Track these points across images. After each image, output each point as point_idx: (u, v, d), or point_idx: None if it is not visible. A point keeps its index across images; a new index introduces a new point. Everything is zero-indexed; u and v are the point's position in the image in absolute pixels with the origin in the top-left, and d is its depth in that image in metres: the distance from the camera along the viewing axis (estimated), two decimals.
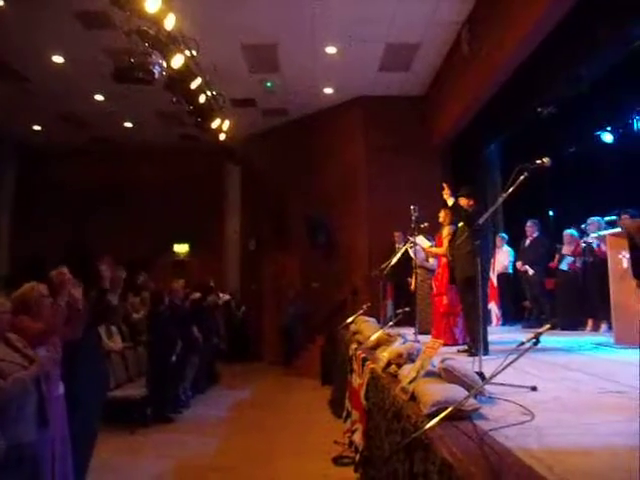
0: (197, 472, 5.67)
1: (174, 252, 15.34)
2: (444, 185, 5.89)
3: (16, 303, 3.53)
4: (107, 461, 5.52)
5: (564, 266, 8.25)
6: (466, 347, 5.59)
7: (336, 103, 11.90)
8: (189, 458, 6.10)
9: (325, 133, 12.30)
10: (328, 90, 11.35)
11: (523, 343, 2.60)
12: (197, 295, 9.80)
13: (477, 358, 3.65)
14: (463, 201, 5.69)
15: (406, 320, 6.60)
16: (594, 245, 7.50)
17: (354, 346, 6.20)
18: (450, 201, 5.82)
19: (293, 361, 12.02)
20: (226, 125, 10.18)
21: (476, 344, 4.50)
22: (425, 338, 5.81)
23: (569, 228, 8.34)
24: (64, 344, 3.77)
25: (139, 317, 8.81)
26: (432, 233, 7.66)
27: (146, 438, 6.89)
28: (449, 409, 2.48)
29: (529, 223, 8.85)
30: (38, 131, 13.93)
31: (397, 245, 9.21)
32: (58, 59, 9.87)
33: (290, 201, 12.96)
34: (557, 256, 8.31)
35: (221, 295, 12.13)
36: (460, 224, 5.82)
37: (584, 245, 7.80)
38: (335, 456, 5.77)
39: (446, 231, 6.51)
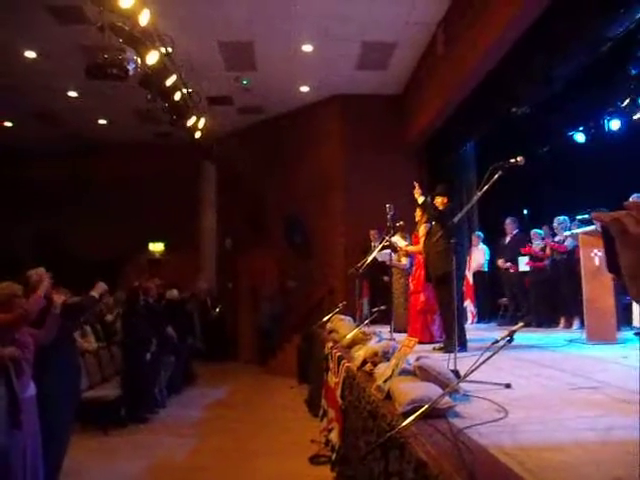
0: (173, 473, 5.63)
1: (149, 251, 15.19)
2: (415, 184, 5.95)
3: None
4: (81, 462, 5.46)
5: (523, 267, 8.46)
6: (441, 345, 5.63)
7: (313, 101, 11.89)
8: (165, 458, 6.06)
9: (302, 131, 12.28)
10: (305, 88, 11.33)
11: (497, 341, 2.63)
12: (173, 291, 9.73)
13: (452, 356, 3.67)
14: (438, 200, 5.74)
15: (382, 318, 6.63)
16: (565, 243, 7.65)
17: (330, 345, 6.20)
18: (420, 199, 5.89)
19: (270, 360, 11.99)
20: (202, 123, 10.10)
21: (451, 341, 4.54)
22: (401, 336, 5.84)
23: (539, 227, 8.52)
24: (38, 345, 3.72)
25: (113, 317, 8.71)
26: (408, 231, 7.70)
27: (121, 439, 6.83)
28: (424, 407, 2.49)
29: (508, 220, 8.97)
30: (10, 127, 13.66)
31: (373, 243, 9.24)
32: (30, 54, 9.67)
33: (266, 199, 12.92)
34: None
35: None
36: (434, 222, 5.87)
37: (553, 243, 7.95)
38: (312, 455, 5.78)
39: (422, 229, 6.54)
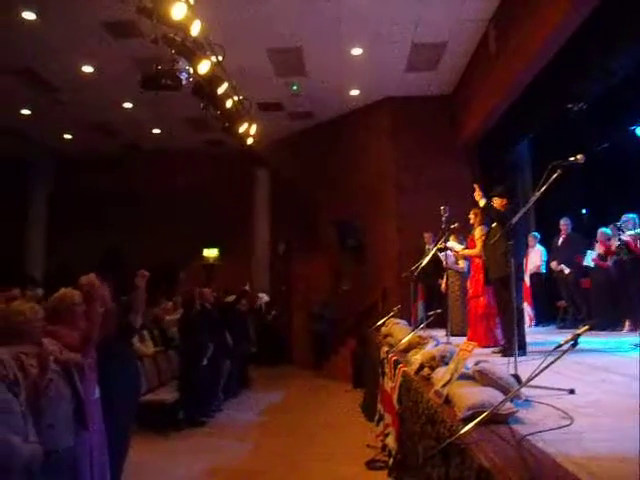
0: (230, 476, 5.70)
1: (204, 257, 15.45)
2: (475, 186, 5.79)
3: (49, 310, 3.58)
4: (141, 464, 5.55)
5: (588, 261, 8.08)
6: (500, 348, 5.50)
7: (363, 105, 11.86)
8: (222, 461, 6.12)
9: (352, 135, 12.26)
10: (354, 92, 11.32)
11: (561, 345, 2.53)
12: (232, 298, 9.84)
13: (512, 360, 3.57)
14: (497, 201, 5.59)
15: (437, 322, 6.52)
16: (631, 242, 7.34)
17: (385, 349, 6.15)
18: (482, 202, 5.72)
19: (324, 364, 12.00)
20: (253, 129, 10.21)
21: (510, 345, 4.41)
22: (457, 340, 5.73)
23: (603, 226, 8.16)
24: (98, 348, 3.81)
25: (171, 321, 8.88)
26: (463, 233, 7.56)
27: (179, 441, 6.94)
28: (485, 413, 2.42)
29: (563, 221, 8.69)
30: (69, 140, 14.20)
31: (427, 246, 9.12)
32: (87, 69, 10.06)
33: (319, 204, 12.95)
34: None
35: (260, 296, 12.14)
36: (493, 224, 5.72)
37: (619, 243, 7.61)
38: (368, 460, 5.73)
39: (478, 232, 6.41)
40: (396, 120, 11.42)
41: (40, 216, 15.68)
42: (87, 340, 3.63)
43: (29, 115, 12.38)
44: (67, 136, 13.99)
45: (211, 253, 15.47)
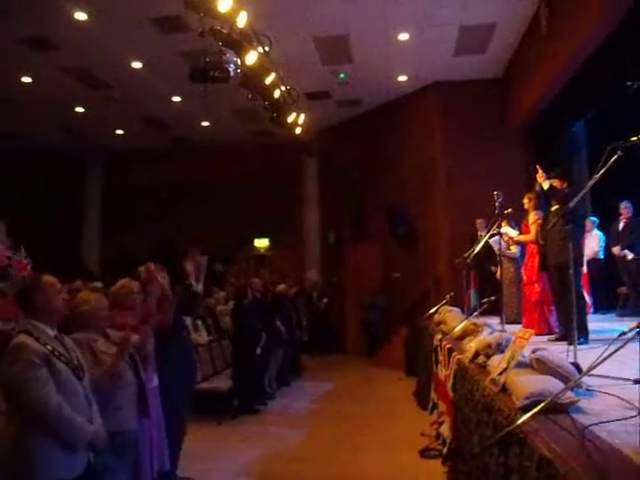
0: (283, 463, 5.75)
1: (255, 247, 15.62)
2: (537, 168, 5.58)
3: (110, 300, 3.71)
4: (197, 451, 5.69)
5: None
6: (557, 336, 5.35)
7: (411, 90, 11.67)
8: (275, 448, 6.20)
9: (401, 121, 12.11)
10: (402, 78, 11.15)
11: (625, 332, 2.43)
12: (282, 287, 9.92)
13: (571, 348, 3.46)
14: (556, 183, 5.40)
15: (491, 309, 6.40)
16: None
17: (439, 336, 6.07)
18: (545, 185, 5.48)
19: (376, 352, 11.97)
20: (301, 119, 10.22)
21: (570, 333, 4.29)
22: (512, 328, 5.61)
23: None
24: (156, 337, 3.93)
25: (223, 311, 9.03)
26: (516, 219, 7.38)
27: (233, 428, 7.07)
28: (545, 402, 2.36)
29: (623, 205, 8.36)
30: (121, 135, 14.56)
31: (479, 233, 8.94)
32: (137, 65, 10.26)
33: (369, 192, 12.86)
34: None
35: (308, 276, 12.18)
36: (551, 208, 5.53)
37: None
38: (422, 448, 5.70)
39: (532, 217, 6.24)
40: (445, 105, 11.20)
41: (94, 211, 16.22)
42: (144, 322, 3.75)
43: (83, 113, 12.74)
44: (119, 132, 14.34)
45: (262, 243, 15.60)
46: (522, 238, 6.77)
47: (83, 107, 12.46)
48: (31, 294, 2.88)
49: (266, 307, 8.60)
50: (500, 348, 3.66)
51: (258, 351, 7.84)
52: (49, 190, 14.68)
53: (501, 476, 2.56)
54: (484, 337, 4.17)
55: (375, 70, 10.67)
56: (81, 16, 8.42)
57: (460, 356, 4.41)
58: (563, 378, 2.74)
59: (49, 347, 2.77)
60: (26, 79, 10.76)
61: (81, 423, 2.77)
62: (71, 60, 9.93)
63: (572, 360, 3.27)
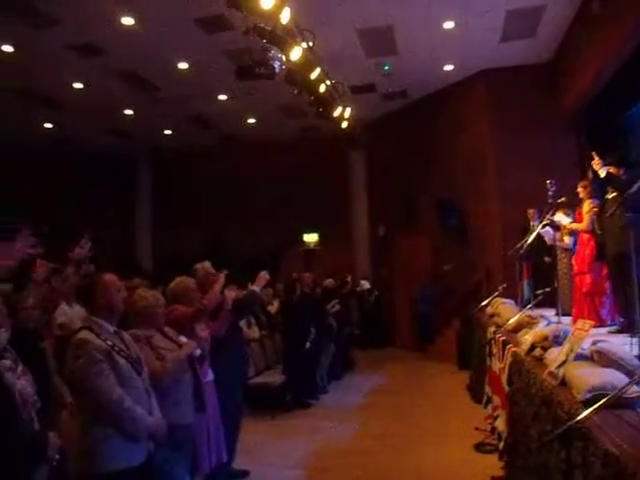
0: (338, 456, 5.76)
1: (304, 242, 15.69)
2: (593, 155, 5.38)
3: (167, 297, 3.81)
4: (251, 444, 5.77)
5: None
6: (619, 328, 5.16)
7: (458, 79, 11.46)
8: (329, 442, 6.22)
9: (448, 112, 11.92)
10: (448, 67, 10.97)
11: None
12: (331, 281, 9.92)
13: (635, 340, 3.33)
14: (613, 170, 5.19)
15: (545, 301, 6.24)
16: None
17: (492, 329, 5.96)
18: (602, 172, 5.27)
19: (428, 346, 11.86)
20: (347, 113, 10.17)
21: (632, 325, 4.13)
22: (568, 319, 5.46)
23: None
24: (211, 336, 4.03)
25: (275, 307, 9.10)
26: (570, 208, 7.15)
27: (287, 422, 7.13)
28: (609, 396, 2.28)
29: None
30: (169, 135, 14.84)
31: (532, 223, 8.71)
32: (183, 65, 10.43)
33: (417, 184, 12.71)
34: None
35: (362, 282, 12.19)
36: (609, 196, 5.32)
37: None
38: (477, 443, 5.63)
39: (587, 206, 6.02)
40: (493, 93, 10.95)
41: (146, 210, 16.62)
42: (198, 315, 3.85)
43: (131, 115, 13.05)
44: (167, 132, 14.62)
45: (311, 238, 15.65)
46: (575, 226, 6.54)
47: (132, 109, 12.76)
48: (92, 292, 2.98)
49: (316, 302, 8.61)
50: (557, 340, 3.56)
51: (307, 345, 7.87)
52: (101, 192, 15.09)
53: (563, 472, 2.49)
54: (540, 329, 4.06)
55: (420, 60, 10.53)
56: (128, 21, 8.63)
57: (515, 349, 4.32)
58: (626, 371, 2.64)
59: (109, 342, 2.87)
60: (77, 85, 11.10)
61: (142, 414, 2.86)
62: (119, 64, 10.19)
63: (637, 353, 3.14)
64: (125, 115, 13.03)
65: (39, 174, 14.08)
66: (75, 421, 2.91)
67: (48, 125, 13.45)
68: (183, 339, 3.62)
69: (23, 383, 2.37)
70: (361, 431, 6.65)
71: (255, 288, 5.01)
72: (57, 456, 2.41)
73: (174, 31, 9.00)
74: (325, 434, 6.55)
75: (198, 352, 3.62)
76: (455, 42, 9.79)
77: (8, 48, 9.32)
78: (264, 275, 5.02)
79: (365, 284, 12.34)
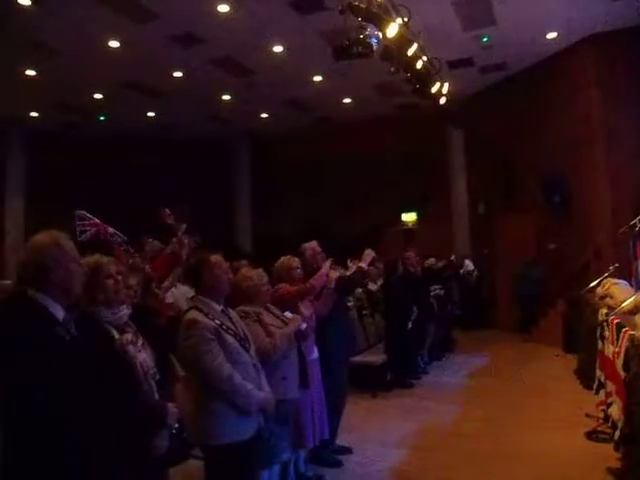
0: (440, 437, 5.72)
1: (402, 221, 15.54)
2: None
3: (272, 275, 3.93)
4: (353, 421, 5.85)
5: None
6: None
7: (562, 47, 10.81)
8: (431, 423, 6.18)
9: (552, 83, 11.30)
10: (552, 34, 10.34)
11: None
12: (432, 261, 9.78)
13: None
14: None
15: None
16: None
17: (604, 311, 5.64)
18: None
19: (531, 328, 11.44)
20: (445, 88, 9.88)
21: None
22: None
23: None
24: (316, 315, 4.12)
25: (376, 286, 9.08)
26: None
27: (388, 402, 7.15)
28: None
29: None
30: (265, 118, 15.11)
31: None
32: (278, 49, 10.55)
33: (519, 159, 12.18)
34: None
35: (466, 263, 11.97)
36: None
37: None
38: (589, 431, 5.37)
39: None
40: (603, 59, 10.25)
41: (244, 194, 17.06)
42: (306, 290, 3.94)
43: (229, 100, 13.40)
44: (263, 115, 14.89)
45: (409, 217, 15.47)
46: None
47: (229, 95, 13.09)
48: (200, 272, 3.12)
49: (417, 281, 8.52)
50: None
51: (409, 325, 7.83)
52: (201, 177, 15.67)
53: None
54: None
55: (521, 30, 10.00)
56: (223, 8, 8.85)
57: (632, 332, 4.06)
58: None
59: (217, 321, 2.99)
60: (177, 74, 11.56)
61: (251, 390, 2.98)
62: (216, 51, 10.49)
63: None
64: (223, 101, 13.40)
65: (142, 162, 14.83)
66: (188, 394, 3.08)
67: (151, 114, 14.10)
68: (288, 314, 3.73)
69: (143, 356, 2.53)
70: (463, 413, 6.55)
71: (362, 265, 5.03)
72: (176, 425, 2.56)
73: (268, 15, 9.12)
74: (426, 414, 6.52)
75: (304, 326, 3.70)
76: (559, 7, 9.21)
77: (115, 44, 9.87)
78: (370, 253, 5.03)
79: (469, 265, 12.04)
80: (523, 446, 5.28)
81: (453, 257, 11.21)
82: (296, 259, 4.31)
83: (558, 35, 10.37)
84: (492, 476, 4.69)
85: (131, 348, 2.46)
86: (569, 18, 9.65)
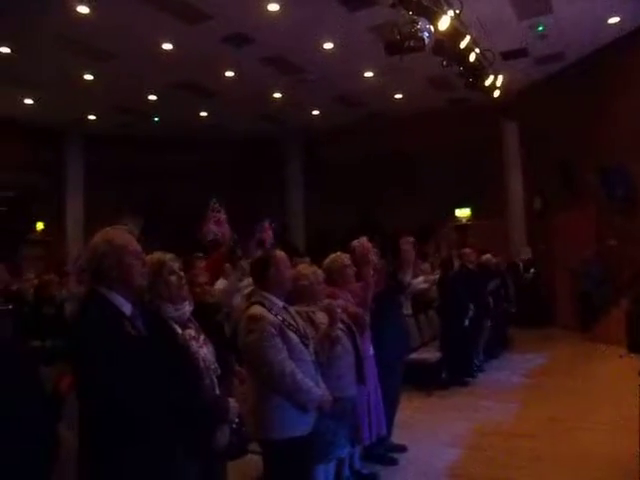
0: (497, 436, 5.61)
1: (456, 217, 15.31)
2: None
3: (324, 273, 3.92)
4: (408, 419, 5.81)
5: None
6: None
7: (625, 33, 10.34)
8: (488, 422, 6.06)
9: (612, 72, 10.86)
10: (613, 19, 9.87)
11: None
12: (486, 256, 9.61)
13: None
14: None
15: None
16: None
17: None
18: None
19: (592, 326, 11.05)
20: (499, 81, 9.66)
21: None
22: None
23: None
24: (372, 309, 4.10)
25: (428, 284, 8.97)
26: None
27: (443, 400, 7.07)
28: None
29: None
30: (316, 115, 15.13)
31: None
32: (328, 45, 10.53)
33: (578, 153, 11.76)
34: None
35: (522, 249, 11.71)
36: None
37: None
38: None
39: None
40: None
41: (297, 191, 17.17)
42: (363, 301, 3.93)
43: (280, 98, 13.47)
44: (315, 112, 14.90)
45: (463, 213, 15.21)
46: None
47: (280, 93, 13.17)
48: (264, 268, 3.14)
49: (474, 278, 8.37)
50: None
51: (466, 323, 7.71)
52: (254, 175, 15.86)
53: None
54: None
55: (579, 16, 9.60)
56: (273, 7, 8.90)
57: None
58: None
59: (280, 317, 3.01)
60: (229, 74, 11.71)
61: (312, 387, 2.99)
62: (267, 50, 10.56)
63: None
64: (274, 99, 13.48)
65: (195, 161, 15.10)
66: (248, 389, 3.12)
67: (203, 114, 14.33)
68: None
69: (205, 351, 2.57)
70: (521, 412, 6.40)
71: (404, 247, 4.87)
72: (236, 419, 2.59)
73: (318, 12, 9.11)
74: (483, 413, 6.41)
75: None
76: None
77: (168, 46, 10.08)
78: (407, 239, 4.92)
79: (528, 252, 11.75)
80: (586, 448, 5.11)
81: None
82: (347, 256, 4.28)
83: (620, 20, 9.91)
84: (554, 478, 4.56)
85: (193, 344, 2.51)
86: (631, 1, 9.23)
